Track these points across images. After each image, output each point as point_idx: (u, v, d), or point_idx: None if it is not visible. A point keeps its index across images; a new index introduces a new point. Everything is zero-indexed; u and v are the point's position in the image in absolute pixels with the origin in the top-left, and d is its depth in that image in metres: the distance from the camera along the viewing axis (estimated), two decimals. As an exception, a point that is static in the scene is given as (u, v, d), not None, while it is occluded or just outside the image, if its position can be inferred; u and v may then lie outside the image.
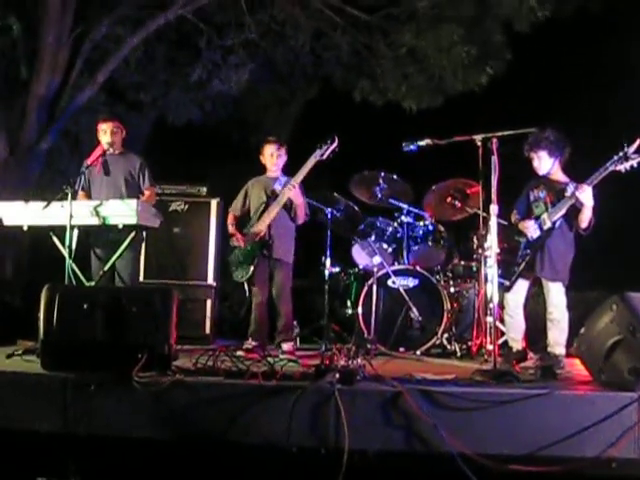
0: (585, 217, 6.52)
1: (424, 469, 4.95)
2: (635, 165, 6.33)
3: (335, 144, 7.68)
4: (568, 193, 6.54)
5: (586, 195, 6.43)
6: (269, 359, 6.01)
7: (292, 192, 7.66)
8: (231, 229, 8.01)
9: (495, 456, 4.79)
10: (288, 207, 7.84)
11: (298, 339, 8.41)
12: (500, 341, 7.38)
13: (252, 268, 7.66)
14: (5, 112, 11.55)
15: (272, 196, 7.80)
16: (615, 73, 11.33)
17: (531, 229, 6.73)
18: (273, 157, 7.97)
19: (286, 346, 7.73)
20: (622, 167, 6.35)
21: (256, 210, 7.90)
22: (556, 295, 6.67)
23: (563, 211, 6.58)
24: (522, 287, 6.84)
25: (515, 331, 6.95)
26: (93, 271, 7.47)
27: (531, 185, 6.98)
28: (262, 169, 8.15)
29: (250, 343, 7.65)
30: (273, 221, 7.73)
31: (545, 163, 6.83)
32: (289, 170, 8.02)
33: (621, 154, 6.34)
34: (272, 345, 7.87)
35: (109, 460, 5.18)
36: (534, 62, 12.09)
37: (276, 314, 7.91)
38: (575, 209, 6.54)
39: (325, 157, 7.71)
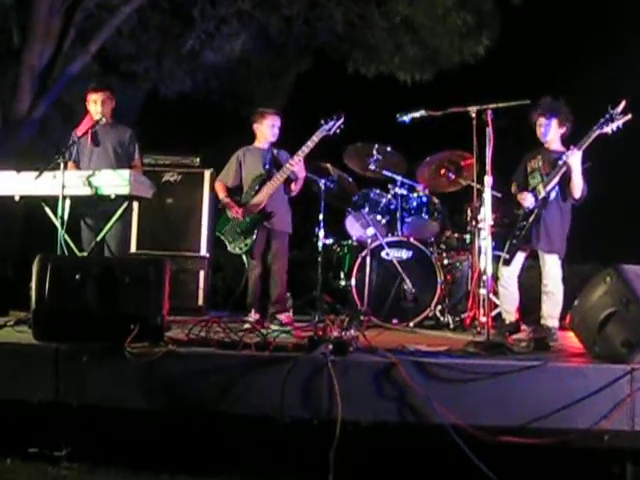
0: (576, 184, 6.51)
1: (417, 440, 4.96)
2: (620, 126, 6.37)
3: (342, 120, 7.68)
4: (561, 161, 6.53)
5: (575, 159, 6.44)
6: (263, 330, 6.01)
7: (297, 166, 7.64)
8: (226, 200, 7.93)
9: (487, 427, 4.79)
10: (287, 179, 7.81)
11: (291, 310, 8.39)
12: (493, 313, 7.38)
13: (252, 240, 7.64)
14: (-3, 83, 11.50)
15: (272, 168, 7.77)
16: (611, 41, 11.31)
17: (527, 200, 6.71)
18: (275, 128, 7.92)
19: (283, 317, 7.72)
20: (609, 129, 6.40)
21: (253, 181, 7.85)
22: (552, 267, 6.67)
23: (556, 179, 6.56)
24: (517, 259, 6.83)
25: (509, 303, 6.95)
26: (84, 242, 7.45)
27: (528, 156, 6.97)
28: (252, 138, 8.09)
29: (254, 315, 7.67)
30: (273, 193, 7.71)
31: (552, 131, 6.81)
32: (283, 142, 7.99)
33: (607, 116, 6.39)
34: (267, 318, 7.86)
35: (101, 431, 5.18)
36: (527, 33, 12.05)
37: (270, 285, 7.90)
38: (568, 178, 6.53)
39: (332, 133, 7.70)
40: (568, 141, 6.77)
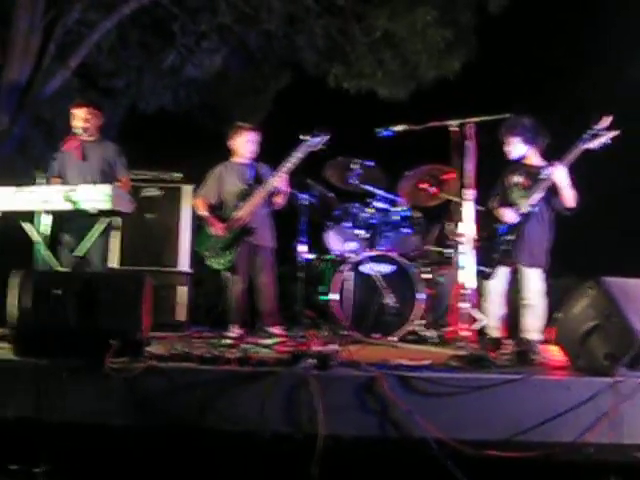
0: (567, 196, 6.53)
1: (399, 455, 4.93)
2: (605, 141, 6.40)
3: (328, 136, 7.64)
4: (542, 175, 6.54)
5: (560, 174, 6.46)
6: (244, 346, 5.99)
7: (280, 180, 7.62)
8: (206, 214, 7.89)
9: (471, 441, 4.78)
10: (269, 194, 7.78)
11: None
12: (475, 327, 7.38)
13: (234, 255, 7.60)
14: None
15: (253, 183, 7.74)
16: (590, 56, 11.38)
17: (507, 215, 6.73)
18: (249, 144, 7.91)
19: (276, 330, 7.70)
20: (593, 145, 6.41)
21: (234, 197, 7.82)
22: (534, 281, 6.67)
23: (539, 194, 6.58)
24: (502, 274, 6.84)
25: (494, 319, 6.94)
26: (63, 258, 7.38)
27: (507, 171, 6.98)
28: (229, 154, 8.08)
29: (235, 330, 7.61)
30: (255, 208, 7.67)
31: (517, 149, 6.87)
32: (263, 158, 7.99)
33: (590, 132, 6.40)
34: (258, 332, 7.86)
35: (82, 447, 5.13)
36: (508, 47, 12.11)
37: (259, 299, 7.87)
38: (553, 192, 6.54)
39: (317, 148, 7.67)
40: (550, 154, 6.78)
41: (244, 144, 7.91)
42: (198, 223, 8.04)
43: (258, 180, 7.77)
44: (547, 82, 11.92)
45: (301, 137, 7.66)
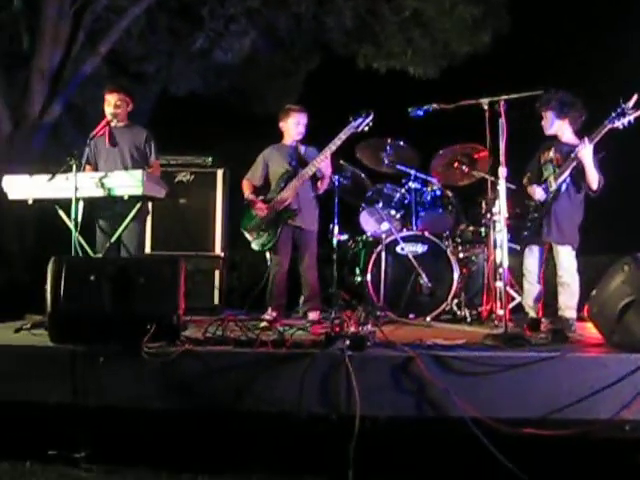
0: (591, 177, 6.49)
1: (436, 434, 4.94)
2: (632, 120, 6.33)
3: (371, 117, 7.64)
4: (573, 154, 6.50)
5: (586, 152, 6.41)
6: (279, 328, 6.00)
7: (324, 163, 7.61)
8: (251, 197, 7.88)
9: (508, 420, 4.77)
10: (314, 176, 7.79)
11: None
12: (511, 306, 7.37)
13: (275, 236, 7.61)
14: (8, 86, 11.51)
15: (298, 165, 7.73)
16: (631, 28, 11.26)
17: (538, 192, 6.71)
18: (299, 126, 7.89)
19: (313, 314, 7.70)
20: (620, 123, 6.35)
21: (279, 178, 7.82)
22: (565, 258, 6.63)
23: (567, 172, 6.55)
24: (536, 253, 6.82)
25: (530, 298, 6.92)
26: (98, 244, 7.41)
27: (542, 148, 6.95)
28: (279, 137, 8.07)
29: (271, 314, 7.60)
30: (299, 190, 7.69)
31: (551, 123, 6.81)
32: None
33: (619, 110, 6.35)
34: (296, 314, 7.97)
35: (119, 431, 5.17)
36: (538, 22, 12.00)
37: (301, 283, 7.89)
38: (581, 170, 6.50)
39: (360, 130, 7.67)
40: (584, 132, 6.72)
41: (293, 126, 7.88)
42: (246, 204, 7.99)
43: (302, 162, 7.74)
44: (579, 58, 11.79)
45: (350, 119, 7.66)
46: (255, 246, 7.77)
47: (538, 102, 6.82)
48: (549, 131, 6.86)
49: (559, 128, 6.82)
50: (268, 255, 7.85)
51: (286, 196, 7.64)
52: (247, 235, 7.82)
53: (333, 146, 7.59)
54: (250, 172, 8.06)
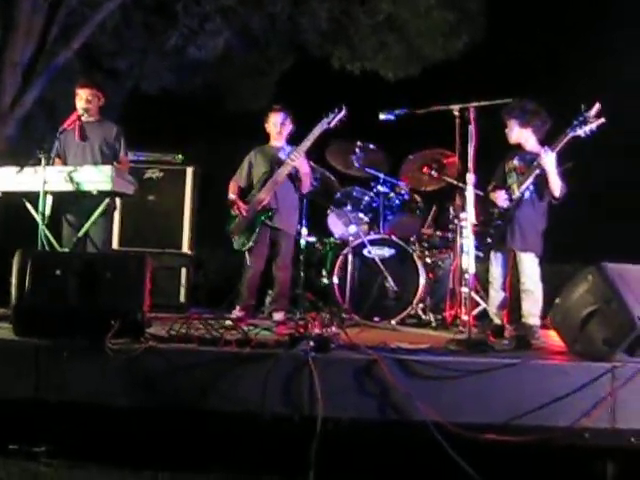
0: (553, 184, 6.52)
1: (398, 438, 4.96)
2: (594, 129, 6.36)
3: (343, 113, 7.69)
4: (535, 162, 6.55)
5: (548, 160, 6.44)
6: (245, 327, 6.00)
7: (297, 161, 7.62)
8: (232, 197, 7.91)
9: (469, 425, 4.80)
10: (293, 177, 7.81)
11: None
12: (475, 311, 7.41)
13: (254, 237, 7.62)
14: (-22, 79, 11.43)
15: (277, 165, 7.73)
16: (599, 38, 11.37)
17: (500, 199, 6.74)
18: (277, 126, 7.90)
19: (278, 315, 7.71)
20: (582, 131, 6.38)
21: (259, 179, 7.85)
22: (528, 265, 6.66)
23: (530, 180, 6.58)
24: (501, 260, 6.85)
25: (494, 304, 6.96)
26: (64, 238, 7.39)
27: (507, 156, 6.98)
28: (265, 138, 8.09)
29: (237, 312, 7.62)
30: (277, 190, 7.70)
31: (515, 133, 6.85)
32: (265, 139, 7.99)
33: (580, 118, 6.39)
34: (262, 314, 7.97)
35: (81, 427, 5.15)
36: (512, 30, 12.08)
37: (269, 283, 7.91)
38: (544, 178, 6.54)
39: (332, 126, 7.70)
40: (547, 141, 6.77)
41: (272, 126, 7.91)
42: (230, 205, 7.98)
43: (279, 163, 7.75)
44: (549, 68, 11.90)
45: (322, 116, 7.68)
46: (235, 246, 7.78)
47: (503, 110, 6.86)
48: (512, 139, 6.90)
49: (522, 137, 6.85)
50: (247, 255, 7.83)
51: (263, 196, 7.66)
52: (230, 236, 7.82)
53: (307, 142, 7.67)
54: (237, 173, 8.09)
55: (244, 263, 7.87)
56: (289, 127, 7.99)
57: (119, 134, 7.71)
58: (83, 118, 7.51)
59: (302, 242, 8.10)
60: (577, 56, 11.78)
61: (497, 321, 6.95)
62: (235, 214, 7.81)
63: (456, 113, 6.35)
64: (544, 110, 6.84)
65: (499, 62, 12.10)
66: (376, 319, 7.90)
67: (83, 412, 5.15)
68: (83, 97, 7.55)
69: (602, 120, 6.38)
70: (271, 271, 7.88)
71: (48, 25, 11.57)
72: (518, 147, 6.92)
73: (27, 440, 5.12)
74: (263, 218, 7.64)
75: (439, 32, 11.88)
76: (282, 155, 7.79)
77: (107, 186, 6.64)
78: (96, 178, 6.65)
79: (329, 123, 7.67)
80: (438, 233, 8.72)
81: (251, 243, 7.64)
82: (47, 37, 11.62)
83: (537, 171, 6.53)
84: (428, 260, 8.54)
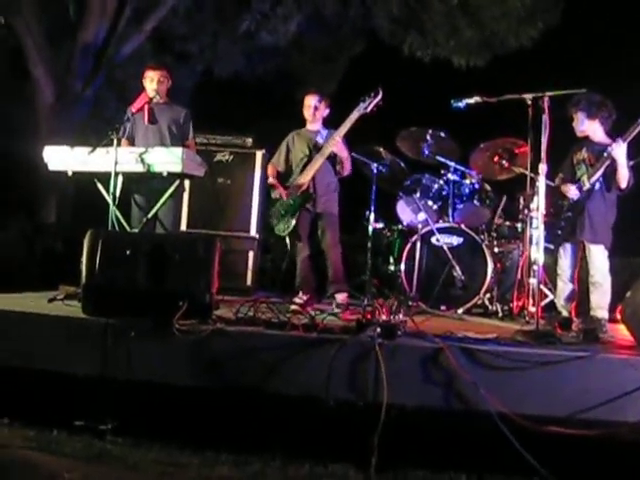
0: (621, 175, 6.47)
1: (462, 427, 4.93)
2: None
3: (379, 97, 7.62)
4: (606, 153, 6.47)
5: (619, 151, 6.39)
6: (311, 312, 6.01)
7: (336, 146, 7.59)
8: (272, 181, 7.95)
9: (534, 417, 4.75)
10: (332, 160, 7.78)
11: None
12: (543, 303, 7.33)
13: (294, 221, 7.62)
14: (53, 58, 11.58)
15: (315, 149, 7.73)
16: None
17: (571, 191, 6.68)
18: (311, 109, 7.88)
19: (340, 296, 7.70)
20: None
21: (298, 163, 7.84)
22: (597, 258, 6.60)
23: (601, 171, 6.53)
24: (570, 252, 6.79)
25: (565, 297, 6.89)
26: (134, 219, 7.46)
27: (575, 148, 6.92)
28: (303, 122, 8.07)
29: (301, 297, 7.62)
30: (316, 174, 7.68)
31: (582, 124, 6.79)
32: (334, 125, 7.95)
33: None
34: (324, 298, 7.90)
35: (147, 406, 5.21)
36: (589, 18, 11.90)
37: (325, 266, 7.88)
38: (613, 170, 6.47)
39: (369, 110, 7.65)
40: (616, 132, 6.69)
41: (307, 109, 7.90)
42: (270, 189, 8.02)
43: (318, 147, 7.75)
44: (626, 58, 11.70)
45: (360, 100, 7.66)
46: (276, 231, 7.78)
47: (568, 104, 6.79)
48: (580, 132, 6.84)
49: (590, 128, 6.78)
50: (288, 240, 7.84)
51: (302, 181, 7.66)
52: (269, 220, 7.83)
53: (344, 128, 7.63)
54: (275, 157, 8.11)
55: (288, 248, 7.88)
56: (324, 111, 7.95)
57: (187, 117, 7.75)
58: (153, 100, 7.56)
59: (370, 228, 8.09)
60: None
61: (565, 313, 6.89)
62: (276, 197, 7.82)
63: (529, 102, 6.28)
64: (609, 102, 6.76)
65: (574, 51, 11.93)
66: (443, 308, 7.87)
67: (149, 391, 5.21)
68: (154, 79, 7.60)
69: None
70: (324, 254, 7.85)
71: (121, 7, 11.68)
72: (585, 139, 6.84)
73: (93, 417, 5.18)
74: (303, 203, 7.64)
75: (514, 17, 11.74)
76: (320, 139, 7.79)
77: (177, 168, 6.67)
78: (167, 159, 6.68)
79: (366, 108, 7.61)
80: (507, 223, 8.63)
81: (290, 229, 7.64)
82: (120, 19, 11.73)
83: (608, 162, 6.46)
84: (496, 250, 8.48)
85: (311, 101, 7.90)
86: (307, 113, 7.92)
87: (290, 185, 7.77)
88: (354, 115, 7.63)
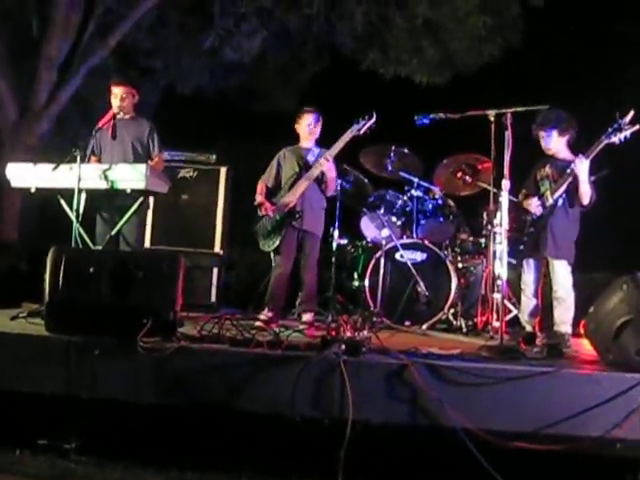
0: (583, 192, 6.51)
1: (427, 443, 4.94)
2: (628, 136, 6.35)
3: (373, 120, 7.63)
4: (569, 169, 6.52)
5: (582, 167, 6.44)
6: (275, 329, 6.01)
7: (326, 165, 7.60)
8: (260, 198, 7.87)
9: (499, 432, 4.77)
10: (319, 180, 7.76)
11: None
12: (507, 318, 7.36)
13: (280, 238, 7.61)
14: (15, 74, 11.52)
15: (305, 167, 7.73)
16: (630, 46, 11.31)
17: (533, 206, 6.73)
18: (309, 128, 7.88)
19: (307, 316, 7.68)
20: (616, 139, 6.38)
21: (287, 180, 7.83)
22: (561, 273, 6.64)
23: (564, 187, 6.57)
24: (533, 267, 6.82)
25: (529, 312, 6.92)
26: (98, 236, 7.40)
27: (539, 164, 6.96)
28: (295, 139, 8.05)
29: (266, 313, 7.58)
30: (305, 192, 7.67)
31: (555, 142, 6.82)
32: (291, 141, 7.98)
33: (615, 125, 6.38)
34: (292, 316, 7.94)
35: (111, 424, 5.18)
36: (548, 36, 12.03)
37: (299, 285, 7.88)
38: (576, 186, 6.52)
39: (362, 132, 7.67)
40: (577, 148, 6.74)
41: (304, 127, 7.87)
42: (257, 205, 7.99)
43: (308, 165, 7.74)
44: (584, 75, 11.84)
45: (353, 122, 7.67)
46: (261, 247, 7.76)
47: (537, 123, 6.83)
48: (548, 149, 6.87)
49: (558, 145, 6.84)
50: (273, 256, 7.83)
51: (290, 198, 7.63)
52: (256, 237, 7.82)
53: (335, 149, 7.62)
54: (266, 173, 8.06)
55: (272, 265, 7.87)
56: (319, 129, 7.97)
57: (152, 131, 7.72)
58: (118, 116, 7.53)
59: (334, 244, 8.09)
60: (614, 63, 11.72)
61: (529, 328, 6.91)
62: (262, 215, 7.80)
63: (492, 118, 6.33)
64: (572, 118, 6.83)
65: (536, 67, 12.05)
66: (407, 323, 7.88)
67: (113, 409, 5.18)
68: (118, 95, 7.57)
69: (637, 127, 6.37)
70: (299, 273, 7.85)
71: (85, 22, 11.65)
72: (548, 155, 6.90)
73: (57, 436, 5.15)
74: (290, 220, 7.63)
75: (476, 36, 11.84)
76: (311, 157, 7.78)
77: (141, 184, 6.65)
78: (130, 176, 6.66)
79: (359, 130, 7.63)
80: (471, 239, 8.67)
81: (276, 245, 7.63)
82: (84, 34, 11.70)
83: (570, 178, 6.51)
84: (460, 265, 8.51)
85: (310, 120, 7.87)
86: (303, 131, 7.89)
87: (277, 202, 7.75)
88: (347, 136, 7.63)
